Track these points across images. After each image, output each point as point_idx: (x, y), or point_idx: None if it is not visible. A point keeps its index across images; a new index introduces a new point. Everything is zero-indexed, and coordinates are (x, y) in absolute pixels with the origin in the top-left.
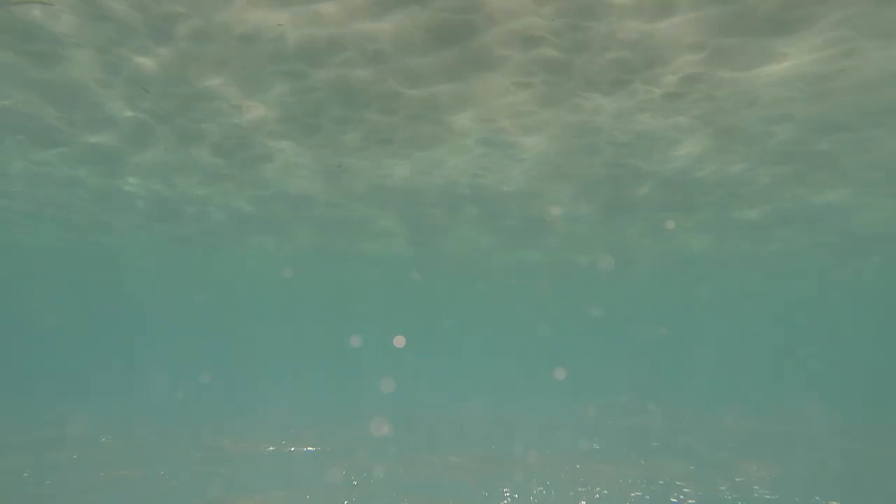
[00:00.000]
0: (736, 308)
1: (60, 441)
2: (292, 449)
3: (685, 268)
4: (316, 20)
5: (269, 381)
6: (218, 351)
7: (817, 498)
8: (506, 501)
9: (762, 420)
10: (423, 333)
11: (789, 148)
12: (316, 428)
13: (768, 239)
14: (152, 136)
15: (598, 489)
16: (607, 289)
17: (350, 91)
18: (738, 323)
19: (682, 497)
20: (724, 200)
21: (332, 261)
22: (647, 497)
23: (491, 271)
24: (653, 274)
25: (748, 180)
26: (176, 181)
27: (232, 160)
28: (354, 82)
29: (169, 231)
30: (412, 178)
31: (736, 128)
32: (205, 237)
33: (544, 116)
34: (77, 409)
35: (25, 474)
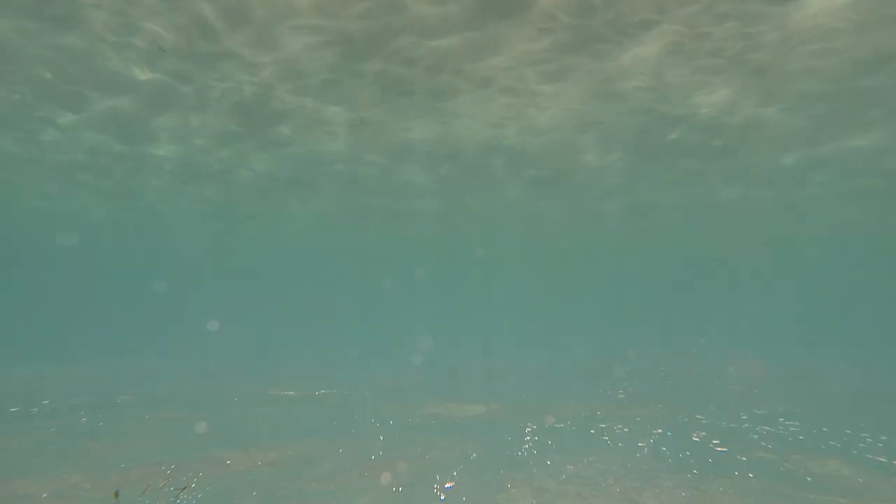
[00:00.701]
0: (766, 256)
1: (116, 389)
2: (322, 391)
3: (714, 216)
4: None
5: (308, 336)
6: (261, 309)
7: (848, 431)
8: (528, 433)
9: (791, 366)
10: (451, 286)
11: (830, 86)
12: (349, 378)
13: (802, 184)
14: (172, 97)
15: (618, 426)
16: (634, 238)
17: (368, 44)
18: (769, 271)
19: (704, 434)
20: (757, 145)
21: (361, 217)
22: (670, 433)
23: (516, 222)
24: (679, 222)
25: (783, 123)
26: (200, 143)
27: (253, 119)
28: (372, 34)
29: (198, 193)
30: (433, 129)
31: (771, 67)
32: (236, 197)
33: (568, 63)
34: (131, 362)
35: (84, 419)
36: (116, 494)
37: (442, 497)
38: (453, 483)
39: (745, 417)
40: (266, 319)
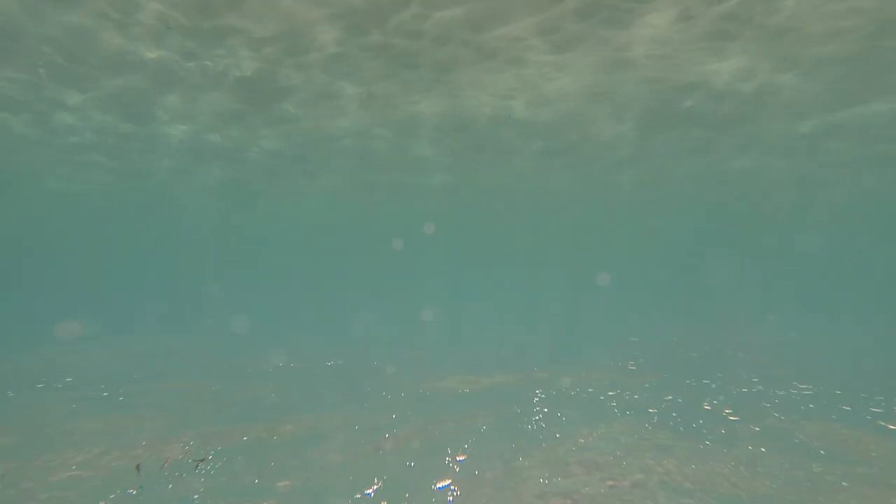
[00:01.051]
0: (778, 226)
1: (134, 365)
2: (332, 363)
3: (727, 185)
4: None
5: (318, 312)
6: (272, 288)
7: (863, 395)
8: (539, 405)
9: (806, 333)
10: (462, 260)
11: (852, 48)
12: (359, 352)
13: (818, 152)
14: (177, 75)
15: (627, 393)
16: (647, 208)
17: (373, 16)
18: (779, 241)
19: (716, 402)
20: (772, 113)
21: (369, 194)
22: (680, 399)
23: (527, 195)
24: (692, 191)
25: (799, 89)
26: (207, 121)
27: (259, 95)
28: (377, 6)
29: (206, 172)
30: (441, 102)
31: (790, 30)
32: (245, 176)
33: (578, 32)
34: (147, 341)
35: (105, 393)
36: (138, 468)
37: (457, 469)
38: (465, 456)
39: (756, 380)
40: (277, 297)
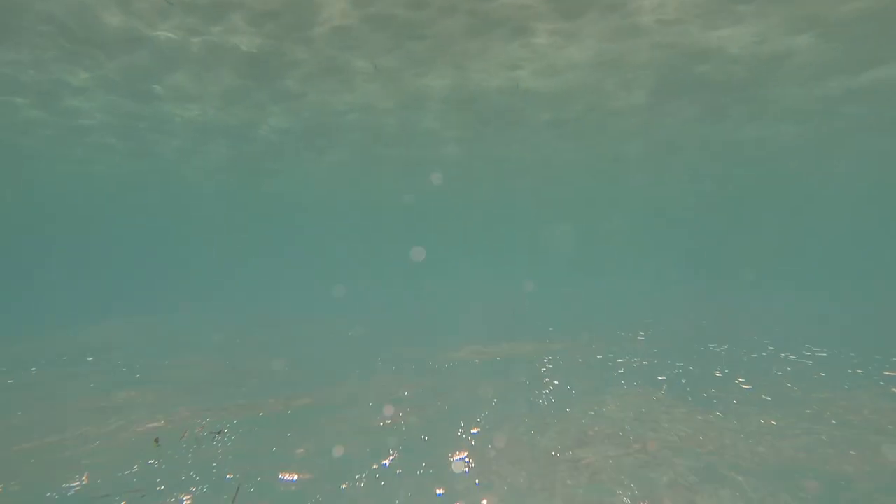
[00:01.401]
0: (793, 195)
1: (151, 339)
2: (349, 333)
3: (740, 153)
4: None
5: (329, 283)
6: (285, 263)
7: (877, 357)
8: (549, 376)
9: (821, 301)
10: (471, 231)
11: (876, 3)
12: (371, 322)
13: (833, 116)
14: (182, 53)
15: (635, 359)
16: (660, 175)
17: None
18: (794, 210)
19: (726, 371)
20: (787, 77)
21: (377, 168)
22: (692, 368)
23: (538, 165)
24: (702, 161)
25: (817, 51)
26: (215, 100)
27: (264, 71)
28: None
29: (214, 151)
30: (448, 74)
31: None
32: (253, 153)
33: None
34: (164, 320)
35: (124, 369)
36: (157, 441)
37: (472, 442)
38: (479, 429)
39: (767, 342)
40: (288, 273)
